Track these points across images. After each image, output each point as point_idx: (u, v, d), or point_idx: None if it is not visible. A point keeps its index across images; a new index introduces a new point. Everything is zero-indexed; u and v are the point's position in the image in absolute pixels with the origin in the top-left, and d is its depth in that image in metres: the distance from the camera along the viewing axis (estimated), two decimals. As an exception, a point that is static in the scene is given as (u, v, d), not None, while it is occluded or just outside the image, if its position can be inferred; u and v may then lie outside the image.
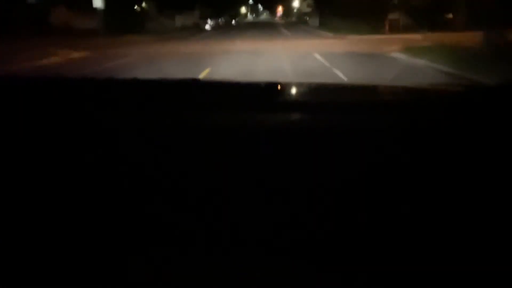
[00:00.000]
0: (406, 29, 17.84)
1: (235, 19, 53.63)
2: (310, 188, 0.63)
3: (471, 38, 10.54)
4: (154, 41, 16.78)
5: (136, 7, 26.07)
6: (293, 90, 1.04)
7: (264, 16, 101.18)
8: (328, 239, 0.59)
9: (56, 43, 12.98)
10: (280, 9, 78.49)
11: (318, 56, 9.73)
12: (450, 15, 18.00)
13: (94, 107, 0.77)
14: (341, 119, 0.74)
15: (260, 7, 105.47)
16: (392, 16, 19.15)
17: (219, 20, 36.38)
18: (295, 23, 40.67)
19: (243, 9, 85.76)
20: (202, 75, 7.33)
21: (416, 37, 14.78)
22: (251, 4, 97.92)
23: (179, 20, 32.22)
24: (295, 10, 61.27)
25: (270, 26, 34.57)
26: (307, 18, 43.60)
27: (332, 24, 25.30)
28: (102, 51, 12.23)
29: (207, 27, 31.38)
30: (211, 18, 34.89)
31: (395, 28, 18.08)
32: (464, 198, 0.61)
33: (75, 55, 10.86)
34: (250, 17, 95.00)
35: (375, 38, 15.75)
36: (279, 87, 0.94)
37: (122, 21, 21.29)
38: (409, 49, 10.18)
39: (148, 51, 12.41)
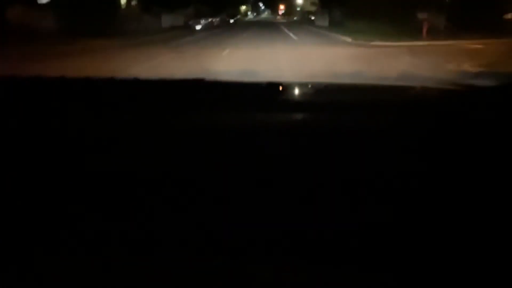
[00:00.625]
0: (447, 33, 13.68)
1: (233, 18, 49.24)
2: (313, 188, 0.62)
3: None
4: (118, 47, 12.64)
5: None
6: (296, 90, 1.05)
7: (265, 14, 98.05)
8: (330, 240, 0.58)
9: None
10: (282, 7, 75.09)
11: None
12: (510, 16, 13.80)
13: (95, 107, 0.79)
14: (343, 119, 0.74)
15: (261, 5, 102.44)
16: (421, 16, 15.04)
17: (213, 19, 31.80)
18: (299, 23, 36.08)
19: (243, 8, 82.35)
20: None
21: (474, 46, 10.66)
22: (252, 2, 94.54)
23: (167, 20, 27.94)
24: (298, 9, 57.35)
25: (272, 26, 29.98)
26: (312, 18, 39.51)
27: (345, 25, 21.11)
28: (15, 66, 8.17)
29: (198, 27, 27.00)
30: (206, 17, 30.48)
31: (434, 32, 13.93)
32: (468, 198, 0.60)
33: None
34: (250, 15, 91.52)
35: (414, 46, 11.60)
36: (280, 87, 0.96)
37: (87, 21, 17.32)
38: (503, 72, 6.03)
39: (87, 69, 8.24)
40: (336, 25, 22.68)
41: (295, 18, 52.66)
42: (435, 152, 0.65)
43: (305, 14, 44.68)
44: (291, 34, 19.16)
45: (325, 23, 25.74)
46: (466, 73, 6.39)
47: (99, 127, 0.70)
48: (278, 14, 76.17)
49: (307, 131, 0.71)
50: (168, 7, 28.73)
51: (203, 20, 28.33)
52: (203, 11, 36.09)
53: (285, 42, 14.59)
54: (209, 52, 10.81)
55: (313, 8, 46.55)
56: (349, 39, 15.00)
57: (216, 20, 32.57)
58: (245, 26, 30.62)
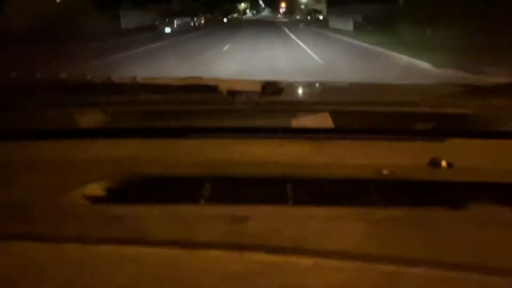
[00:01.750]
0: None
1: (228, 16, 41.86)
2: (313, 188, 0.62)
3: None
4: None
5: None
6: (295, 90, 1.06)
7: (265, 13, 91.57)
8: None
9: None
10: (283, 5, 68.47)
11: None
12: None
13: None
14: (342, 118, 0.75)
15: (261, 3, 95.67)
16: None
17: (193, 18, 24.27)
18: (306, 24, 28.60)
19: (242, 5, 75.47)
20: None
21: None
22: (251, 0, 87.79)
23: (131, 19, 20.68)
24: (302, 6, 50.31)
25: (273, 29, 22.55)
26: (321, 17, 32.26)
27: (384, 31, 13.84)
28: None
29: (168, 30, 19.56)
30: (186, 16, 23.10)
31: None
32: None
33: None
34: (249, 13, 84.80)
35: None
36: (280, 86, 0.97)
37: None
38: None
39: None
40: (365, 30, 15.39)
41: (297, 17, 45.56)
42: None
43: (312, 13, 37.31)
44: (304, 47, 11.75)
45: (347, 26, 18.38)
46: None
47: None
48: (279, 13, 69.71)
49: (307, 130, 0.73)
50: (139, 2, 21.80)
51: (178, 20, 20.80)
52: (192, 8, 28.99)
53: (308, 70, 7.24)
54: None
55: (319, 7, 39.49)
56: (424, 64, 7.75)
57: (198, 19, 25.02)
58: (238, 28, 23.18)
